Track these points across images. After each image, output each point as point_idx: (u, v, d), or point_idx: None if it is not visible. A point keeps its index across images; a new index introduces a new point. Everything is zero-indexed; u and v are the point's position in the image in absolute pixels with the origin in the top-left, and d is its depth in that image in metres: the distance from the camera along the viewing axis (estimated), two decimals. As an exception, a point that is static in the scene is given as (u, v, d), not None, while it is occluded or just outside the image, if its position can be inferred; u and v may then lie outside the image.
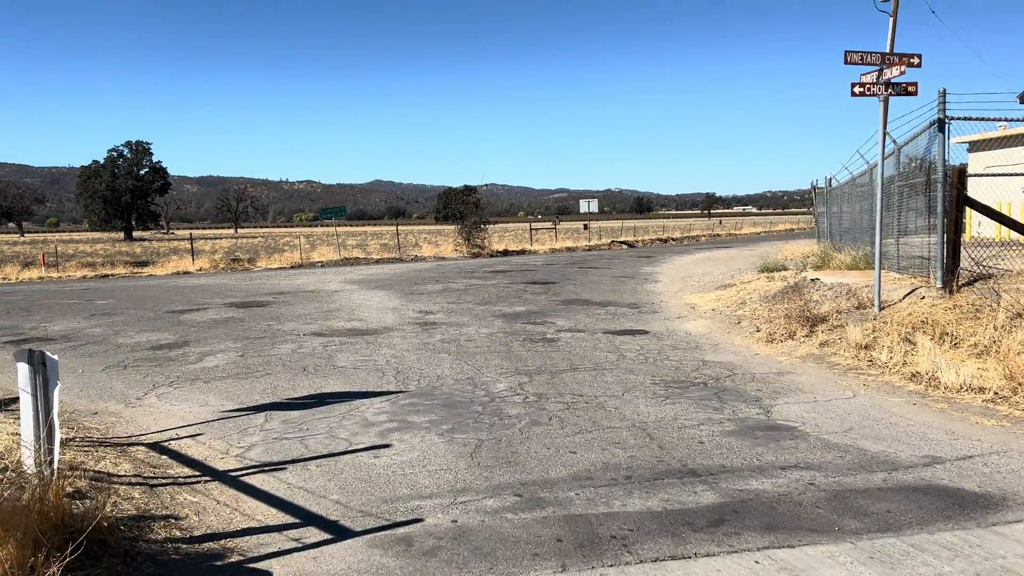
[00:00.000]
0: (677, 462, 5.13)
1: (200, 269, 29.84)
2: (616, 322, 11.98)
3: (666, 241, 54.20)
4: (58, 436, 3.76)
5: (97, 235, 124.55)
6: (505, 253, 39.52)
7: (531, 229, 47.31)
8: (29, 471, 3.79)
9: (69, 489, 3.99)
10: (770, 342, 9.59)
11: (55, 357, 3.68)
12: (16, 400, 5.86)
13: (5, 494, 3.35)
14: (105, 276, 27.31)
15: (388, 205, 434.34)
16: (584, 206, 48.85)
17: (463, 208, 39.60)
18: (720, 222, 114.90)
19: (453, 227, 40.42)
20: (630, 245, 47.79)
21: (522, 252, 40.35)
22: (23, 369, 3.64)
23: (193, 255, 33.02)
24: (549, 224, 54.79)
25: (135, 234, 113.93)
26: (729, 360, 8.76)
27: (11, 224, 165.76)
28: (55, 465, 3.73)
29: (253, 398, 7.29)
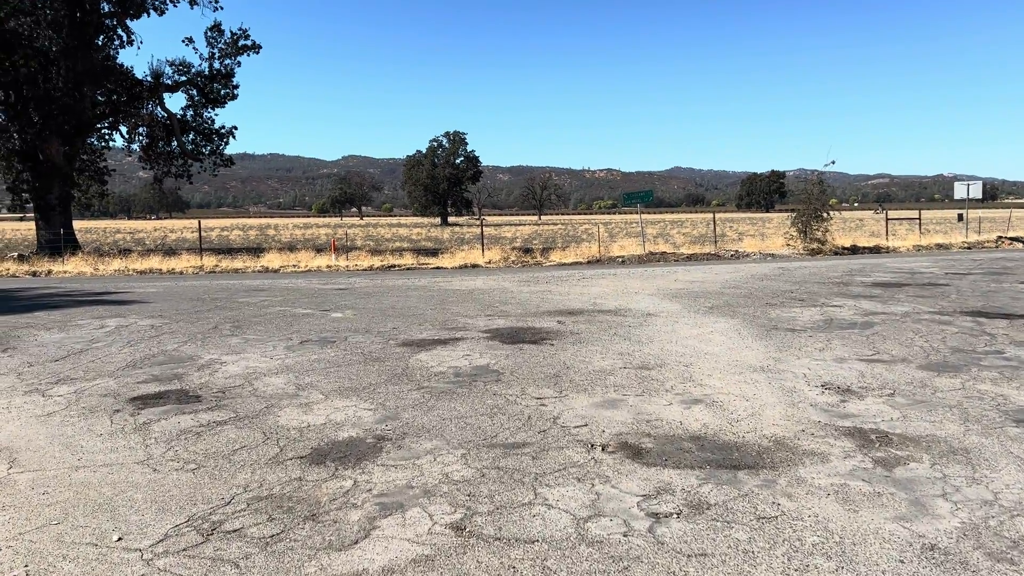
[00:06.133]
0: None
1: (489, 262, 26.16)
2: None
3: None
4: None
5: (418, 220, 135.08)
6: (854, 250, 30.69)
7: (887, 220, 37.11)
8: None
9: None
10: None
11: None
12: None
13: None
14: (389, 268, 24.69)
15: (686, 192, 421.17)
16: (960, 191, 37.18)
17: (802, 194, 31.50)
18: None
19: (785, 216, 32.55)
20: (1025, 242, 35.40)
21: (877, 250, 31.11)
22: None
23: (483, 246, 29.60)
24: (913, 214, 43.59)
25: (450, 219, 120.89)
26: None
27: (353, 208, 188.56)
28: None
29: None
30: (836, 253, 29.85)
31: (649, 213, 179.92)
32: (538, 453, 5.07)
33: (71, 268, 24.85)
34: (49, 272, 24.22)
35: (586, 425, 5.70)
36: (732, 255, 28.69)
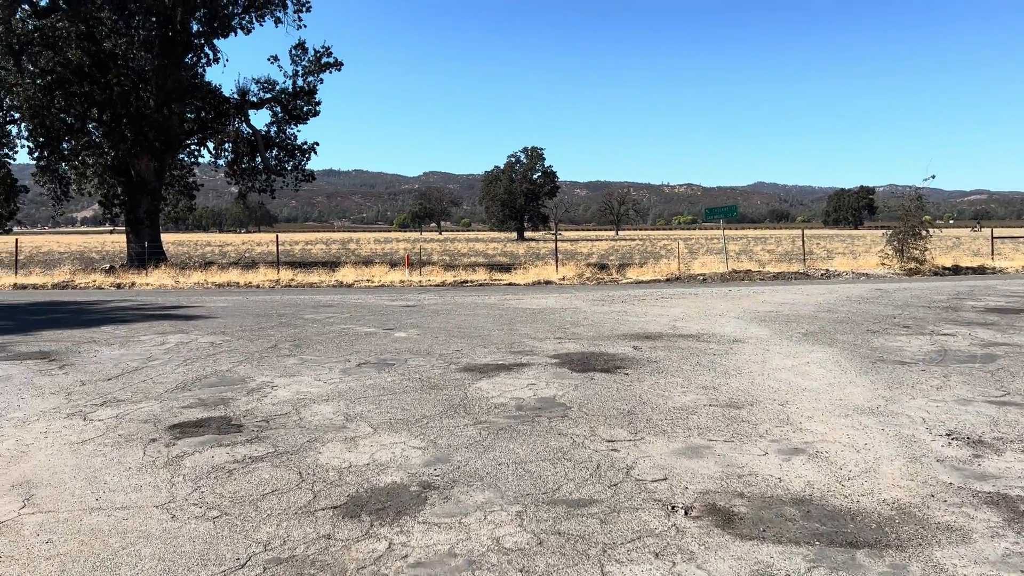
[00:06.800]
0: None
1: (563, 278, 25.40)
2: None
3: None
4: None
5: (495, 235, 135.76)
6: (956, 270, 28.44)
7: (992, 237, 34.44)
8: None
9: None
10: None
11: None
12: None
13: None
14: (461, 283, 24.26)
15: (770, 208, 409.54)
16: (1078, 206, 34.30)
17: (897, 210, 29.51)
18: None
19: (877, 233, 30.39)
20: None
21: (982, 270, 28.76)
22: None
23: (557, 262, 28.87)
24: (1020, 232, 40.49)
25: (526, 234, 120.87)
26: None
27: (433, 223, 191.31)
28: None
29: None
30: (936, 273, 27.76)
31: (731, 229, 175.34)
32: (607, 515, 4.28)
33: (153, 280, 25.45)
34: (132, 284, 24.85)
35: (665, 479, 4.86)
36: (823, 275, 27.03)
